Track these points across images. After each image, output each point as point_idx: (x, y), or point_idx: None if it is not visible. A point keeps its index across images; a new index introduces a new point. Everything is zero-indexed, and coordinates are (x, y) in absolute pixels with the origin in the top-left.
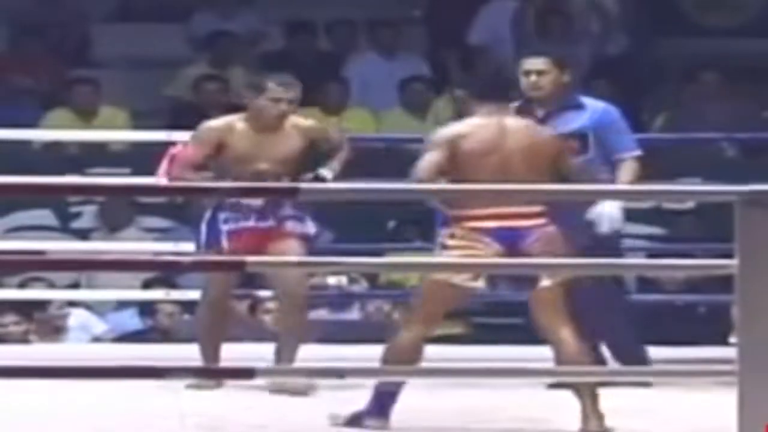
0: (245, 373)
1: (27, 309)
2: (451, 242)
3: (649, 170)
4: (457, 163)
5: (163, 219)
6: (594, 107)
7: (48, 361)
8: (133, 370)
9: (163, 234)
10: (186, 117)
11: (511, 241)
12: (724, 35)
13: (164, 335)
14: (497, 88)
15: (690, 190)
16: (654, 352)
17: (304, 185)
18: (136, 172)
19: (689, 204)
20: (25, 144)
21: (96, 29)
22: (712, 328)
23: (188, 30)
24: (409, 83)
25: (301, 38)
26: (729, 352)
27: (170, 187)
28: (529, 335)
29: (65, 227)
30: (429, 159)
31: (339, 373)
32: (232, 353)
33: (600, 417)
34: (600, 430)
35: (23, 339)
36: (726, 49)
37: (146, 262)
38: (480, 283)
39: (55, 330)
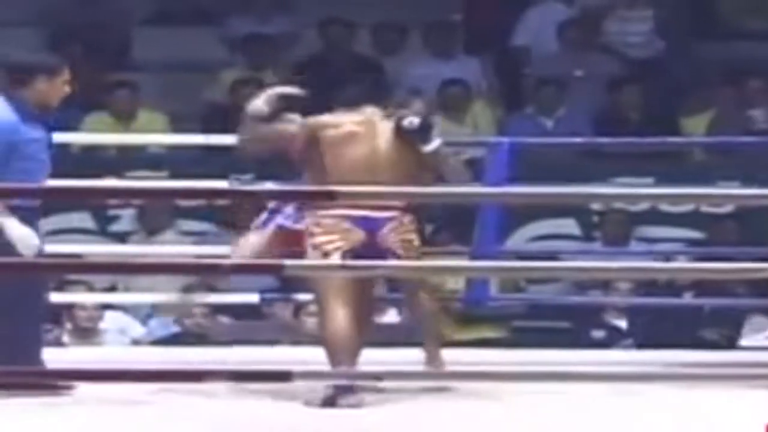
0: (282, 376)
1: (59, 314)
2: (317, 230)
3: None
4: (319, 150)
5: (202, 222)
6: None
7: (84, 363)
8: (169, 374)
9: (202, 237)
10: (223, 120)
11: (371, 228)
12: (763, 39)
13: (198, 339)
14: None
15: (729, 193)
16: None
17: (338, 188)
18: (174, 175)
19: (728, 208)
20: (63, 147)
21: (135, 33)
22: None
23: (224, 33)
24: (447, 86)
25: (338, 41)
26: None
27: (209, 190)
28: (570, 339)
29: (103, 230)
30: (283, 128)
31: (377, 376)
32: (271, 356)
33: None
34: None
35: (57, 343)
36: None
37: (185, 265)
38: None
39: (86, 332)
